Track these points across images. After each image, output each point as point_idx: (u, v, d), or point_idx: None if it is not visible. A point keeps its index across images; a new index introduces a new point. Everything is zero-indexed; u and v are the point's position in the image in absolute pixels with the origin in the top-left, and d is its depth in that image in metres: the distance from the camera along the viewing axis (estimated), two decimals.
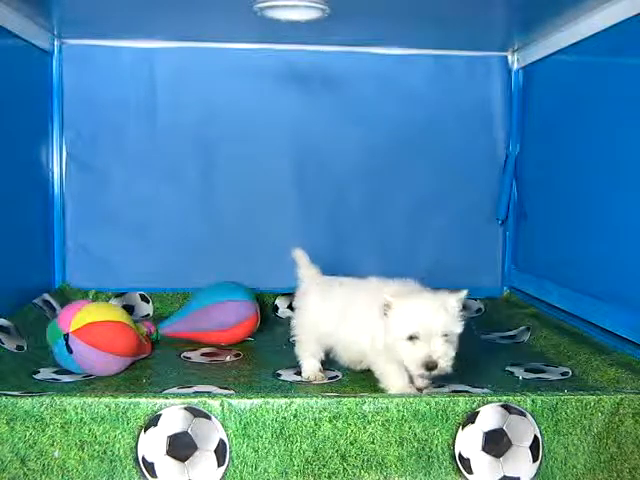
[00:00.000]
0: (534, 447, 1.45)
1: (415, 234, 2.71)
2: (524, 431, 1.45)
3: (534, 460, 1.45)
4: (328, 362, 1.95)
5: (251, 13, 2.04)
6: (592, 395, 1.49)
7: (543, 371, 1.90)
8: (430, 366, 1.53)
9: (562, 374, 1.87)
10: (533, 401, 1.46)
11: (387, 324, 1.58)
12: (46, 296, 2.35)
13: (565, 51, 2.26)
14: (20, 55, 2.26)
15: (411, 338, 1.54)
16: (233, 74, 2.61)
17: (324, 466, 1.43)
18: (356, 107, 2.66)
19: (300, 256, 1.97)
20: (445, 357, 1.53)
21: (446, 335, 1.54)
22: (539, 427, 1.46)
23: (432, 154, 2.69)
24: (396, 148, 2.67)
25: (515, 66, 2.67)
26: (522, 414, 1.46)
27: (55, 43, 2.52)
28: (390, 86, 2.66)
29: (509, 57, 2.68)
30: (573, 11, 2.06)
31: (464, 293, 1.62)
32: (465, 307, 2.59)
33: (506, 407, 1.45)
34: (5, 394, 1.43)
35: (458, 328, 1.58)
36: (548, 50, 2.37)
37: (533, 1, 2.01)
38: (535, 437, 1.45)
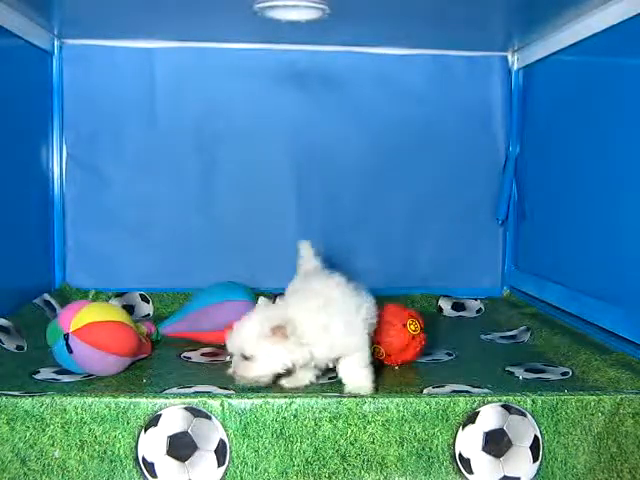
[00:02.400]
0: (534, 447, 1.45)
1: (415, 234, 2.71)
2: (524, 431, 1.45)
3: (534, 460, 1.45)
4: None
5: (251, 13, 2.04)
6: (592, 395, 1.49)
7: (543, 371, 1.90)
8: None
9: (562, 374, 1.87)
10: (533, 401, 1.46)
11: None
12: (46, 296, 2.35)
13: (565, 51, 2.26)
14: (20, 55, 2.26)
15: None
16: (233, 74, 2.61)
17: (324, 466, 1.43)
18: (356, 107, 2.66)
19: (306, 247, 1.97)
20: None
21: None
22: (539, 427, 1.46)
23: (432, 154, 2.69)
24: (396, 148, 2.67)
25: (515, 66, 2.67)
26: (522, 414, 1.46)
27: (55, 43, 2.52)
28: (390, 86, 2.66)
29: (509, 57, 2.68)
30: (573, 11, 2.06)
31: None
32: (465, 307, 2.62)
33: (506, 407, 1.46)
34: (5, 394, 1.43)
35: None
36: (548, 50, 2.37)
37: (533, 1, 2.02)
38: (535, 437, 1.46)
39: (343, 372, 1.67)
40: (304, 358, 1.62)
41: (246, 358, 1.60)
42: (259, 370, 1.60)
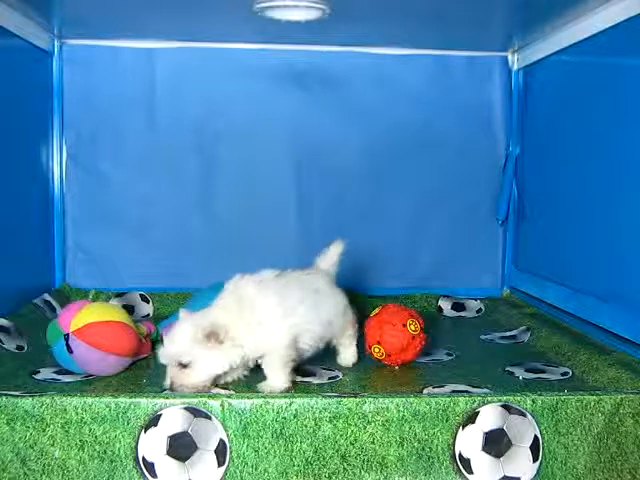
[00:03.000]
0: (534, 447, 1.45)
1: (415, 234, 2.71)
2: (524, 431, 1.45)
3: (534, 460, 1.45)
4: (328, 362, 1.96)
5: (251, 13, 2.04)
6: (592, 395, 1.49)
7: (543, 371, 1.90)
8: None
9: (562, 374, 1.87)
10: (533, 401, 1.46)
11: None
12: (46, 296, 2.35)
13: (565, 51, 2.26)
14: (20, 55, 2.26)
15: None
16: (233, 74, 2.62)
17: (324, 466, 1.43)
18: (356, 107, 2.66)
19: (337, 245, 1.97)
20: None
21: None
22: (539, 427, 1.46)
23: (431, 154, 2.69)
24: (396, 148, 2.67)
25: (515, 66, 2.67)
26: (522, 414, 1.46)
27: (55, 43, 2.52)
28: (390, 86, 2.66)
29: (509, 57, 2.68)
30: (574, 11, 2.06)
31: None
32: (465, 307, 2.62)
33: (506, 407, 1.45)
34: (5, 394, 1.43)
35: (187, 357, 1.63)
36: (548, 50, 2.37)
37: (534, 1, 2.02)
38: (535, 437, 1.45)
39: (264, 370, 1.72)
40: (240, 357, 1.66)
41: (184, 366, 1.62)
42: (199, 376, 1.63)
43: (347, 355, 1.95)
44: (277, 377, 1.70)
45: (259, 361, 1.72)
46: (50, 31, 2.44)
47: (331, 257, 1.97)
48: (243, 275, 1.77)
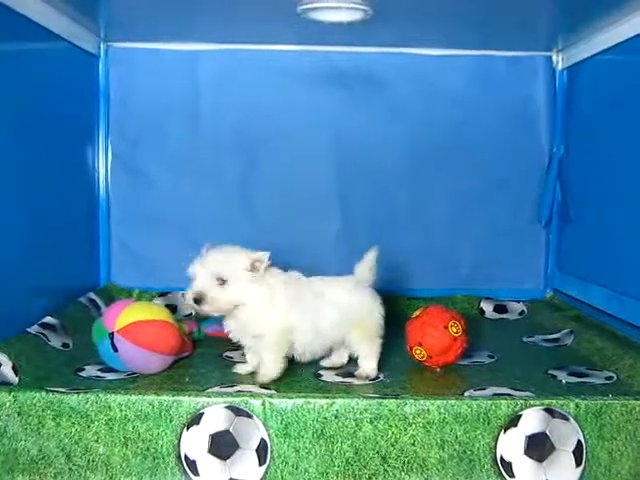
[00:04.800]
0: (577, 452, 1.44)
1: (457, 235, 2.69)
2: (567, 435, 1.44)
3: (577, 465, 1.44)
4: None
5: (294, 15, 2.05)
6: (637, 400, 1.47)
7: (587, 375, 1.87)
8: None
9: (606, 378, 1.84)
10: (577, 405, 1.45)
11: None
12: (91, 295, 2.39)
13: (611, 51, 2.23)
14: (68, 58, 2.30)
15: None
16: (275, 76, 2.63)
17: (364, 467, 1.43)
18: (397, 108, 2.65)
19: (371, 253, 1.94)
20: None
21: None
22: (583, 432, 1.44)
23: (475, 155, 2.67)
24: (438, 149, 2.66)
25: (559, 66, 2.64)
26: (565, 418, 1.44)
27: (101, 46, 2.56)
28: (432, 87, 2.64)
29: (553, 57, 2.65)
30: (618, 11, 2.03)
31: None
32: (507, 309, 2.60)
33: (549, 411, 1.44)
34: (51, 390, 1.46)
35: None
36: (593, 50, 2.34)
37: (579, 2, 1.99)
38: (578, 442, 1.44)
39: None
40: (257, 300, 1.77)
41: (222, 282, 1.72)
42: (232, 295, 1.74)
43: (363, 367, 1.88)
44: (269, 366, 1.77)
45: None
46: (97, 34, 2.48)
47: (366, 265, 1.94)
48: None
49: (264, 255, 1.78)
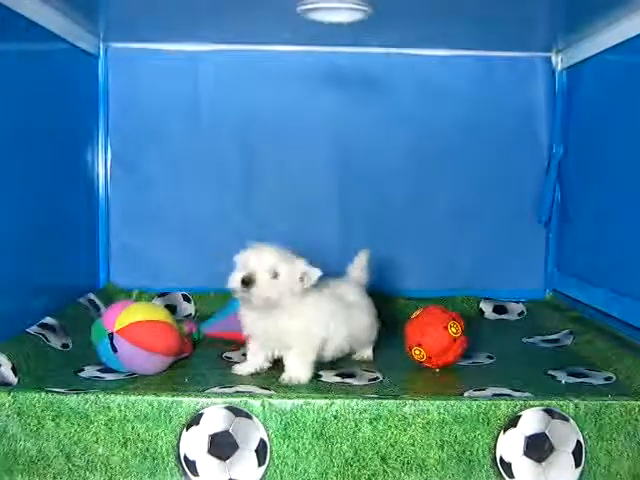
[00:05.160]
0: (577, 452, 1.44)
1: (456, 235, 2.70)
2: (567, 436, 1.44)
3: (577, 465, 1.44)
4: (367, 363, 1.96)
5: (294, 15, 2.05)
6: (636, 400, 1.47)
7: (586, 375, 1.87)
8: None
9: (606, 379, 1.84)
10: (576, 406, 1.45)
11: None
12: (91, 295, 2.39)
13: (610, 51, 2.23)
14: (67, 58, 2.30)
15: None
16: (275, 76, 2.63)
17: (364, 467, 1.43)
18: (398, 109, 2.65)
19: (362, 255, 2.10)
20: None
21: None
22: (582, 432, 1.44)
23: (474, 156, 2.67)
24: (438, 150, 2.66)
25: (559, 67, 2.64)
26: (565, 419, 1.44)
27: (101, 46, 2.56)
28: (432, 87, 2.65)
29: (553, 58, 2.65)
30: (618, 11, 2.03)
31: None
32: (506, 310, 2.60)
33: (548, 411, 1.44)
34: (51, 391, 1.46)
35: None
36: (592, 50, 2.34)
37: (578, 2, 1.99)
38: (578, 442, 1.44)
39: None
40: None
41: (275, 276, 1.75)
42: (280, 289, 1.75)
43: (363, 353, 2.04)
44: (302, 369, 1.79)
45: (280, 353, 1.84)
46: (96, 35, 2.48)
47: (358, 266, 2.09)
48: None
49: (315, 273, 1.80)
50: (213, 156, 2.64)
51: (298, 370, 1.79)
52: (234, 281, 1.75)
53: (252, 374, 1.85)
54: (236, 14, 2.12)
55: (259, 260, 1.75)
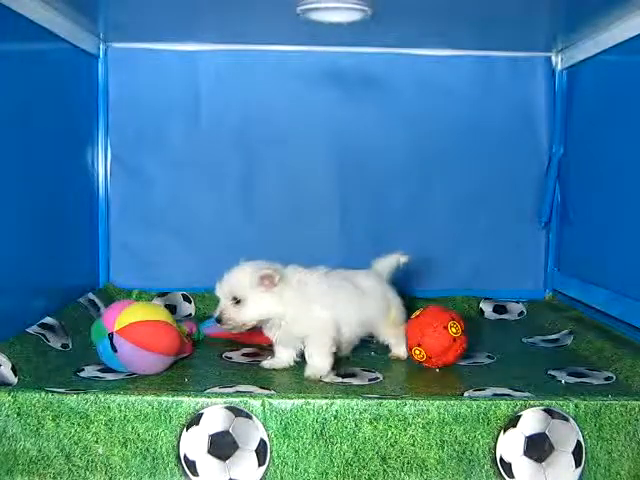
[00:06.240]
0: (577, 452, 1.44)
1: (457, 235, 2.70)
2: (567, 436, 1.44)
3: (577, 466, 1.44)
4: (368, 363, 1.96)
5: (294, 15, 2.05)
6: (637, 400, 1.47)
7: (586, 375, 1.87)
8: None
9: (606, 379, 1.84)
10: (576, 406, 1.45)
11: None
12: (91, 295, 2.39)
13: (610, 51, 2.23)
14: (68, 58, 2.30)
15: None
16: (275, 76, 2.63)
17: (364, 467, 1.43)
18: (398, 108, 2.65)
19: (398, 256, 2.13)
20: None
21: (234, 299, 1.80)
22: (582, 432, 1.44)
23: (474, 156, 2.67)
24: (438, 150, 2.66)
25: (559, 67, 2.64)
26: (565, 419, 1.44)
27: (101, 46, 2.56)
28: (432, 87, 2.65)
29: (553, 58, 2.65)
30: (619, 11, 2.03)
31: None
32: (506, 310, 2.60)
33: (548, 411, 1.44)
34: (51, 391, 1.46)
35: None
36: (592, 50, 2.34)
37: (578, 2, 1.99)
38: (578, 442, 1.44)
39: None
40: (282, 310, 1.82)
41: (237, 302, 1.80)
42: (248, 314, 1.81)
43: (397, 351, 2.03)
44: (320, 360, 1.82)
45: (303, 346, 1.87)
46: (96, 35, 2.48)
47: (387, 263, 2.12)
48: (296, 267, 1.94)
49: (270, 270, 1.82)
50: (213, 156, 2.64)
51: (317, 363, 1.82)
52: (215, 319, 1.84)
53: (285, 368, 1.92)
54: (236, 14, 2.12)
55: (221, 290, 1.84)
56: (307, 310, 1.83)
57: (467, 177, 2.68)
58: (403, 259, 2.13)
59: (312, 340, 1.83)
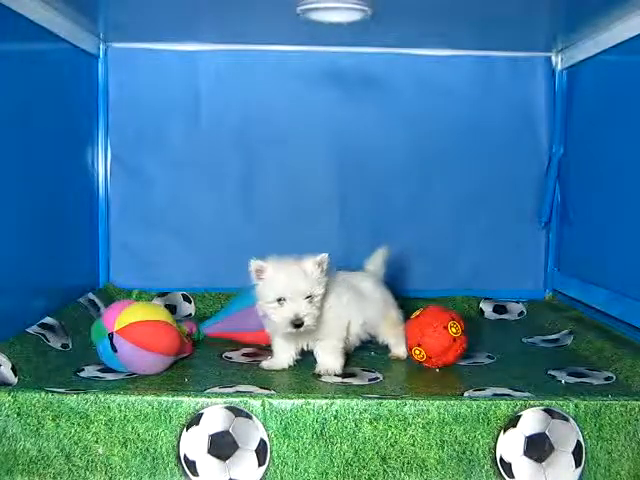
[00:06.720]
0: (577, 453, 1.44)
1: (457, 235, 2.70)
2: (567, 436, 1.44)
3: (577, 466, 1.44)
4: (368, 363, 1.96)
5: (294, 15, 2.05)
6: (637, 400, 1.47)
7: (586, 375, 1.87)
8: (297, 324, 1.73)
9: (605, 379, 1.84)
10: (576, 406, 1.45)
11: (259, 289, 1.81)
12: (91, 295, 2.39)
13: (610, 51, 2.22)
14: (68, 58, 2.30)
15: (279, 300, 1.75)
16: (275, 76, 2.63)
17: (364, 467, 1.43)
18: (398, 108, 2.65)
19: (381, 251, 2.17)
20: (309, 316, 1.74)
21: (309, 297, 1.75)
22: (582, 432, 1.44)
23: (474, 156, 2.67)
24: (438, 150, 2.66)
25: (559, 67, 2.64)
26: (565, 419, 1.44)
27: (101, 46, 2.56)
28: (432, 87, 2.65)
29: (553, 58, 2.65)
30: (619, 11, 2.03)
31: (321, 257, 1.81)
32: (506, 310, 2.60)
33: (548, 411, 1.44)
34: (51, 391, 1.46)
35: (318, 290, 1.78)
36: (593, 50, 2.34)
37: (578, 2, 1.99)
38: (578, 442, 1.44)
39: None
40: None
41: (311, 298, 1.76)
42: (318, 299, 1.79)
43: (397, 351, 2.03)
44: (334, 359, 1.85)
45: (310, 346, 1.89)
46: (96, 35, 2.48)
47: (376, 260, 2.15)
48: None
49: (324, 256, 1.82)
50: (213, 156, 2.64)
51: (330, 361, 1.84)
52: (284, 324, 1.75)
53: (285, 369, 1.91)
54: (236, 14, 2.12)
55: (294, 289, 1.75)
56: (335, 310, 1.86)
57: (467, 177, 2.67)
58: (385, 252, 2.16)
59: (329, 339, 1.85)
